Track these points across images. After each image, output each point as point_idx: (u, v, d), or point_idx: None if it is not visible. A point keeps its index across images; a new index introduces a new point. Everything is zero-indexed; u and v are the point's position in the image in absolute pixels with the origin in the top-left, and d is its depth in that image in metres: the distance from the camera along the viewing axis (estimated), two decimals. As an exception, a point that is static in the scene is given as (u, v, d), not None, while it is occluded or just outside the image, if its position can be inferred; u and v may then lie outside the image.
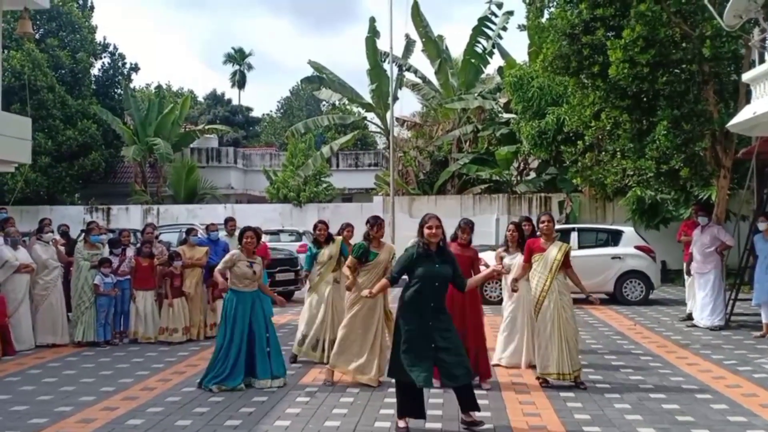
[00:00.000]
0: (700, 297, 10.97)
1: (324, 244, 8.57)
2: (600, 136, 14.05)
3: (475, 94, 24.40)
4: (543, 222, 7.27)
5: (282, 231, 21.57)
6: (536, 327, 7.23)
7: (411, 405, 5.68)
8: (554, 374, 7.04)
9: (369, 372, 7.13)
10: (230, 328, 7.16)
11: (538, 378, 7.24)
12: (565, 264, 7.18)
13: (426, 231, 5.60)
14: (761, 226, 10.24)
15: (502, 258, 8.15)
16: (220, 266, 7.35)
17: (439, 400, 6.51)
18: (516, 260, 7.97)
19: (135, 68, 31.17)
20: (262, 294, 7.48)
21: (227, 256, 7.40)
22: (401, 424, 5.65)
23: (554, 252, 7.14)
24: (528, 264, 7.33)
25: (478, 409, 5.75)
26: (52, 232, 10.43)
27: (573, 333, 7.16)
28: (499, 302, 8.57)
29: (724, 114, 11.11)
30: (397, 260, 6.00)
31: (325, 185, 26.54)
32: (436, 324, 5.54)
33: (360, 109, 30.43)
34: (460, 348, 5.65)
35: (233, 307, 7.20)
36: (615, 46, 10.69)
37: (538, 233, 7.44)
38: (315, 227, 8.68)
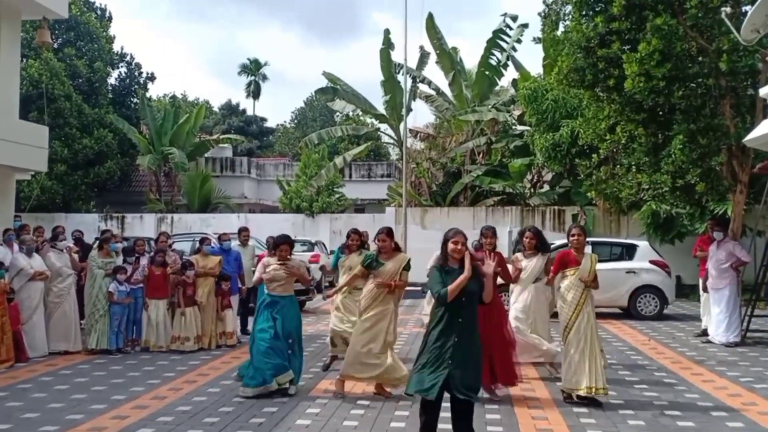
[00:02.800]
0: (716, 313, 10.83)
1: (352, 254, 8.56)
2: (615, 150, 13.97)
3: (489, 106, 24.38)
4: (573, 235, 7.21)
5: (295, 241, 21.53)
6: (568, 341, 7.06)
7: (432, 423, 5.29)
8: (584, 389, 6.86)
9: (397, 373, 7.09)
10: (256, 329, 7.36)
11: (563, 391, 7.12)
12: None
13: (451, 246, 5.29)
14: (778, 242, 10.13)
15: (519, 261, 8.16)
16: (255, 277, 7.72)
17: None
18: (532, 263, 8.04)
19: (151, 78, 31.51)
20: (294, 303, 7.55)
21: (259, 267, 7.67)
22: None
23: (588, 265, 7.05)
24: (554, 276, 7.26)
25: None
26: (65, 239, 10.50)
27: (600, 347, 7.10)
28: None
29: (741, 128, 11.00)
30: (428, 279, 5.77)
31: (337, 196, 26.57)
32: (461, 341, 5.18)
33: (373, 120, 30.52)
34: (478, 367, 5.31)
35: (262, 309, 7.40)
36: (631, 59, 10.63)
37: (569, 246, 7.27)
38: (348, 236, 8.67)
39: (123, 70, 30.85)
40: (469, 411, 5.24)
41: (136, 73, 31.03)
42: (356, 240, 8.57)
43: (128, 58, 30.78)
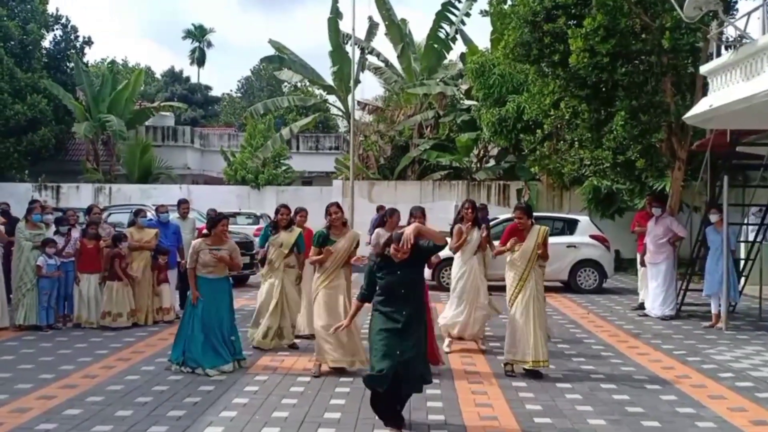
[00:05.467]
0: (652, 287, 11.09)
1: (282, 230, 8.37)
2: (559, 126, 14.07)
3: (437, 80, 24.29)
4: (515, 218, 7.24)
5: (239, 214, 21.19)
6: (511, 314, 7.14)
7: (390, 412, 5.35)
8: (530, 362, 6.93)
9: (358, 355, 6.99)
10: (192, 312, 7.17)
11: (505, 365, 7.16)
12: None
13: (392, 251, 5.19)
14: (713, 218, 10.38)
15: (461, 231, 8.19)
16: (189, 263, 7.28)
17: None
18: (471, 236, 8.16)
19: (88, 42, 30.19)
20: (226, 285, 7.39)
21: (191, 250, 7.30)
22: None
23: (532, 242, 7.07)
24: (504, 246, 7.24)
25: (401, 425, 5.34)
26: (-7, 210, 9.99)
27: (545, 323, 7.14)
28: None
29: (681, 106, 11.20)
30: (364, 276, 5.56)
31: (284, 168, 26.19)
32: (404, 329, 5.20)
33: (321, 92, 30.09)
34: (422, 356, 5.36)
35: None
36: (576, 35, 10.65)
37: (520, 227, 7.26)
38: (277, 211, 8.46)
39: (58, 33, 29.47)
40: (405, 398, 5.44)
41: (72, 37, 29.66)
42: (286, 214, 8.39)
43: (63, 20, 29.39)
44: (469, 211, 8.21)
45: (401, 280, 5.23)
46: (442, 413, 5.84)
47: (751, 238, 11.72)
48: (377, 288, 5.31)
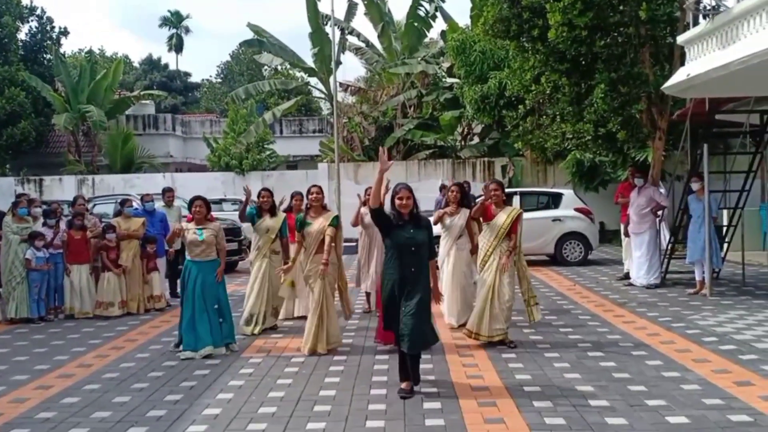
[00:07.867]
0: (636, 257, 11.27)
1: (266, 214, 8.39)
2: (540, 100, 14.14)
3: (419, 59, 24.21)
4: (491, 190, 7.30)
5: (224, 200, 21.11)
6: (477, 288, 7.35)
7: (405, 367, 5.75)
8: (466, 331, 7.24)
9: (310, 340, 7.08)
10: (184, 296, 7.26)
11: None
12: (512, 229, 7.22)
13: (397, 202, 5.69)
14: (694, 186, 10.54)
15: (442, 216, 8.32)
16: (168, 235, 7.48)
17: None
18: (455, 218, 8.26)
19: (64, 32, 29.74)
20: (217, 265, 7.39)
21: (174, 229, 7.48)
22: (403, 385, 5.68)
23: (502, 219, 7.21)
24: (472, 218, 7.46)
25: (417, 383, 5.77)
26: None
27: (507, 298, 7.19)
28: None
29: (660, 76, 11.30)
30: None
31: (268, 152, 26.08)
32: (411, 289, 5.59)
33: (303, 74, 29.91)
34: (424, 317, 5.65)
35: (186, 275, 7.26)
36: (554, 9, 10.68)
37: (489, 201, 7.35)
38: (259, 194, 8.47)
39: (34, 24, 29.01)
40: (415, 360, 5.75)
41: (48, 28, 29.23)
42: (267, 197, 8.37)
43: (38, 11, 28.94)
44: (454, 193, 8.27)
45: (413, 238, 5.63)
46: (434, 385, 5.95)
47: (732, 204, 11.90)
48: (389, 246, 5.71)
